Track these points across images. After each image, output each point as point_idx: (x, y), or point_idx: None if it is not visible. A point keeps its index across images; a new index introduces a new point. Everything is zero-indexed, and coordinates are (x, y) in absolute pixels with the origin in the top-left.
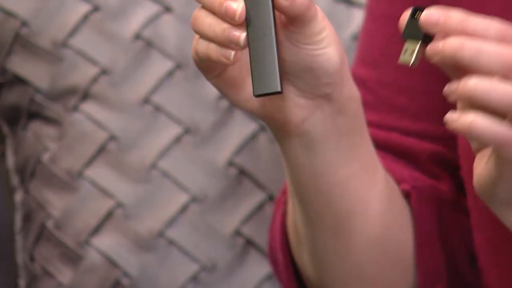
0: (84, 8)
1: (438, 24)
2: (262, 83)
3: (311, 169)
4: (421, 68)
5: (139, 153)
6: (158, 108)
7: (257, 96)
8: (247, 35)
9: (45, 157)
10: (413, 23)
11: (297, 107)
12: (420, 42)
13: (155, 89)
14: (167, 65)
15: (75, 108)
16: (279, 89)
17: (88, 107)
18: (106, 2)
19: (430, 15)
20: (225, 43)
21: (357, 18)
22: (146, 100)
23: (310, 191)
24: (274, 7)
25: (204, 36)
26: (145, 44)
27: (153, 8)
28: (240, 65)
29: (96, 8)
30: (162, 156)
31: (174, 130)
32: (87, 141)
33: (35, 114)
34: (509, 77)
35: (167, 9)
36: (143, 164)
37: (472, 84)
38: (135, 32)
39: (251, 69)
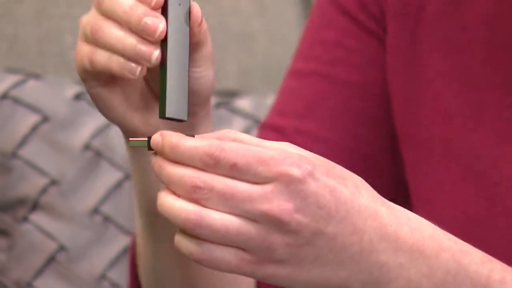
0: (33, 118)
1: (158, 149)
2: (172, 107)
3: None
4: (345, 126)
5: (88, 263)
6: (107, 219)
7: (162, 118)
8: (161, 54)
9: None
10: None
11: (169, 124)
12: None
13: (104, 199)
14: (116, 175)
15: (25, 219)
16: (186, 119)
17: (37, 217)
18: (55, 113)
19: (153, 139)
20: (135, 59)
21: (238, 124)
22: (95, 211)
23: None
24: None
25: (108, 48)
26: (94, 154)
27: (102, 119)
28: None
29: (45, 119)
30: (111, 267)
31: (123, 241)
32: (36, 251)
33: None
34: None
35: None
36: (92, 274)
37: (159, 199)
38: (84, 143)
39: (161, 90)
